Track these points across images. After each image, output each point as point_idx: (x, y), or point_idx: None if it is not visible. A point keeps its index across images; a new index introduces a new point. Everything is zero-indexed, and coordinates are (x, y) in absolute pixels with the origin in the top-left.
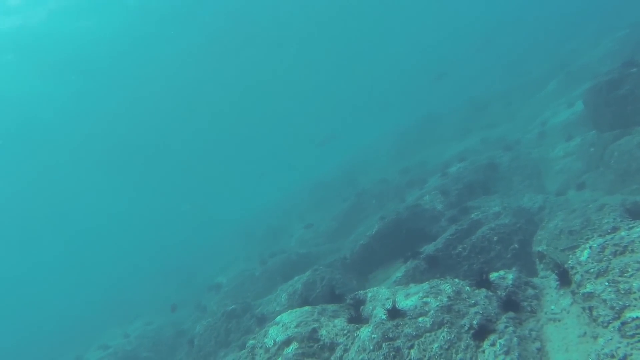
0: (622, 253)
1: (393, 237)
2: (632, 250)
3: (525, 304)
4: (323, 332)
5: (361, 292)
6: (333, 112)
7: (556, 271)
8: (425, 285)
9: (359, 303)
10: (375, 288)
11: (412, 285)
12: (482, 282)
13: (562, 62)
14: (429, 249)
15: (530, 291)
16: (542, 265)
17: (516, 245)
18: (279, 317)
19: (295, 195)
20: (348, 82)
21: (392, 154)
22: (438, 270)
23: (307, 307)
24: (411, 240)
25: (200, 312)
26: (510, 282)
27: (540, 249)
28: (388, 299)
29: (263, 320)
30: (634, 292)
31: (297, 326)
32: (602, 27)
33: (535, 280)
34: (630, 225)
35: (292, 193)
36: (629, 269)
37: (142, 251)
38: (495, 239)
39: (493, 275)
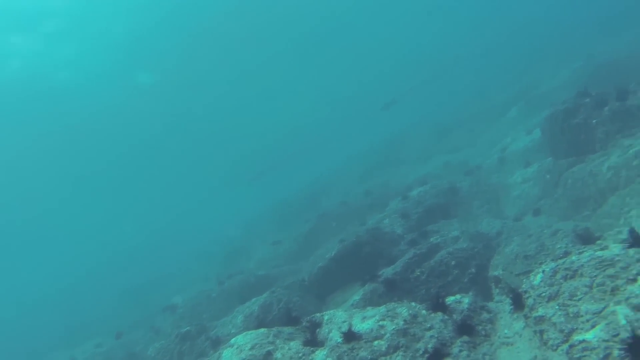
0: (572, 277)
1: (352, 259)
2: (582, 275)
3: (480, 328)
4: (278, 355)
5: (318, 314)
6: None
7: (510, 295)
8: (382, 309)
9: (315, 326)
10: (332, 311)
11: (369, 308)
12: (439, 306)
13: (522, 90)
14: (387, 272)
15: (485, 315)
16: (497, 290)
17: (473, 270)
18: (233, 339)
19: (256, 216)
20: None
21: (355, 176)
22: (396, 294)
23: (262, 330)
24: (370, 263)
25: (153, 333)
26: (466, 306)
27: (496, 273)
28: (344, 322)
29: (218, 343)
30: (582, 316)
31: (251, 349)
32: (560, 58)
33: (491, 304)
34: (581, 250)
35: (252, 214)
36: (578, 293)
37: (93, 266)
38: (453, 263)
39: (449, 299)
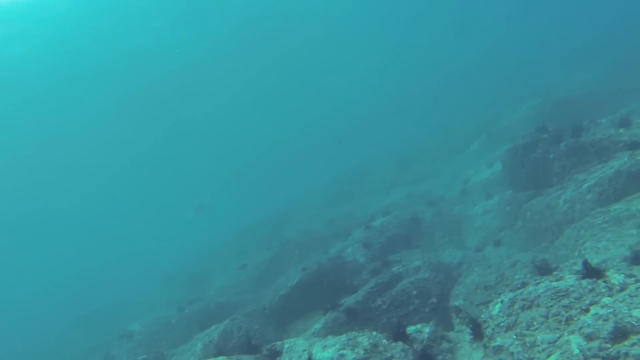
0: (529, 307)
1: (314, 288)
2: (538, 305)
3: (440, 357)
4: None
5: (278, 343)
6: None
7: (470, 325)
8: (343, 338)
9: (275, 354)
10: (292, 339)
11: (329, 337)
12: (399, 335)
13: (484, 124)
14: (349, 301)
15: (445, 345)
16: (458, 320)
17: (434, 300)
18: None
19: (219, 242)
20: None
21: (320, 204)
22: (357, 323)
23: (222, 358)
24: (332, 291)
25: None
26: (426, 335)
27: (457, 303)
28: (305, 350)
29: None
30: (538, 345)
31: None
32: (520, 94)
33: (451, 334)
34: (538, 281)
35: (215, 240)
36: (535, 323)
37: (47, 289)
38: (414, 292)
39: (410, 329)
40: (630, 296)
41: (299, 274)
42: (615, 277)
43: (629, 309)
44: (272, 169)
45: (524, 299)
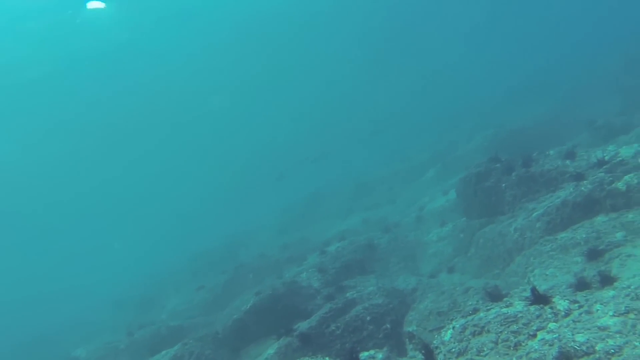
0: (480, 333)
1: (268, 312)
2: (488, 331)
3: None
4: None
5: None
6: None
7: (423, 351)
8: None
9: None
10: None
11: None
12: None
13: (440, 152)
14: (303, 326)
15: None
16: (411, 345)
17: (388, 325)
18: None
19: (171, 265)
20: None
21: (275, 229)
22: (311, 348)
23: None
24: (286, 316)
25: None
26: None
27: (410, 329)
28: None
29: None
30: None
31: None
32: (475, 124)
33: (404, 359)
34: (488, 307)
35: (167, 263)
36: (485, 348)
37: None
38: (368, 318)
39: (363, 355)
40: (574, 321)
41: (253, 298)
42: (561, 303)
43: (573, 334)
44: (227, 193)
45: (474, 325)
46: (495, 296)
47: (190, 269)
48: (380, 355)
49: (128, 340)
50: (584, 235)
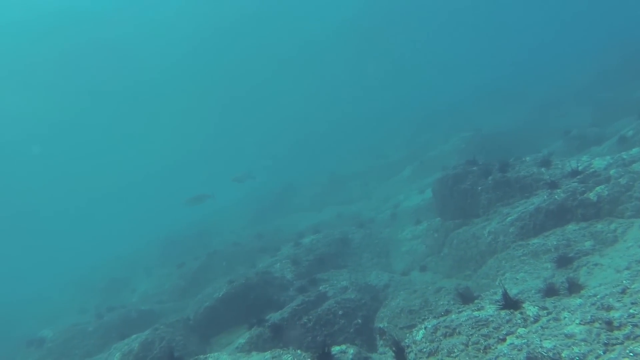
0: (451, 335)
1: (240, 301)
2: (459, 333)
3: None
4: None
5: (201, 356)
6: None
7: (394, 348)
8: (268, 355)
9: None
10: (216, 354)
11: (254, 353)
12: (324, 355)
13: (416, 151)
14: (274, 317)
15: None
16: (382, 342)
17: (359, 321)
18: None
19: (143, 247)
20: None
21: (249, 217)
22: (282, 340)
23: None
24: (258, 306)
25: None
26: (350, 356)
27: (381, 325)
28: None
29: None
30: None
31: None
32: (452, 126)
33: (374, 356)
34: (460, 309)
35: (138, 243)
36: (455, 350)
37: None
38: (340, 312)
39: (335, 349)
40: (542, 328)
41: (226, 287)
42: (530, 309)
43: (540, 340)
44: (200, 176)
45: (446, 326)
46: (466, 297)
47: (161, 253)
48: (351, 351)
49: (97, 322)
50: (555, 243)
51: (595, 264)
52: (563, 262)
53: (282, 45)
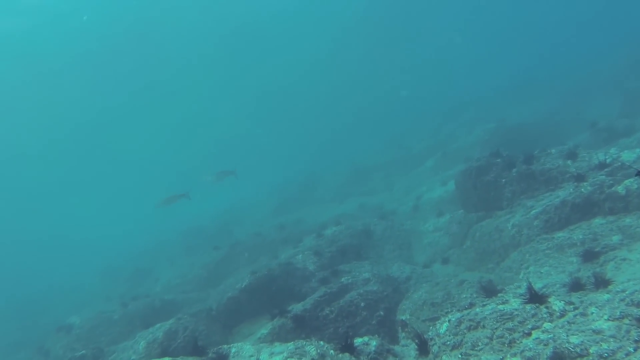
0: (475, 328)
1: (262, 292)
2: (484, 326)
3: None
4: None
5: (225, 346)
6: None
7: (416, 341)
8: (291, 345)
9: (222, 358)
10: (240, 343)
11: (277, 343)
12: (347, 346)
13: (440, 143)
14: (297, 308)
15: (391, 359)
16: (404, 334)
17: (382, 313)
18: None
19: (166, 237)
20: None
21: (271, 208)
22: (304, 331)
23: (166, 358)
24: (280, 297)
25: (42, 356)
26: (373, 348)
27: (403, 317)
28: (252, 356)
29: None
30: None
31: None
32: (476, 116)
33: (397, 348)
34: (484, 303)
35: (163, 234)
36: (480, 344)
37: None
38: (362, 304)
39: (357, 341)
40: (569, 323)
41: (248, 277)
42: (556, 304)
43: (567, 335)
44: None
45: (470, 320)
46: (489, 291)
47: (184, 244)
48: (373, 343)
49: (122, 311)
50: (581, 236)
51: (623, 259)
52: (589, 256)
53: (307, 39)
